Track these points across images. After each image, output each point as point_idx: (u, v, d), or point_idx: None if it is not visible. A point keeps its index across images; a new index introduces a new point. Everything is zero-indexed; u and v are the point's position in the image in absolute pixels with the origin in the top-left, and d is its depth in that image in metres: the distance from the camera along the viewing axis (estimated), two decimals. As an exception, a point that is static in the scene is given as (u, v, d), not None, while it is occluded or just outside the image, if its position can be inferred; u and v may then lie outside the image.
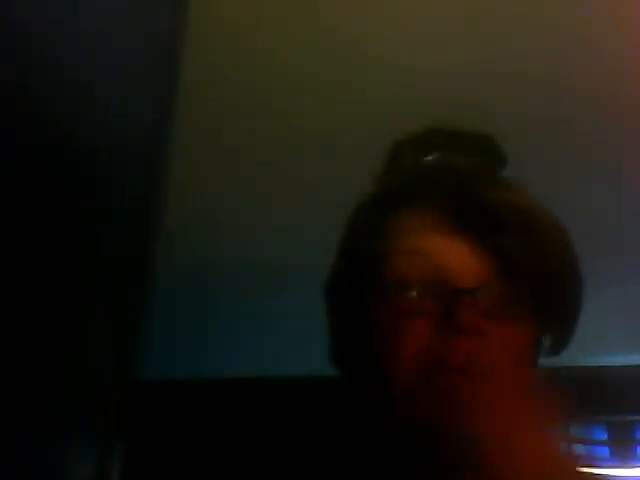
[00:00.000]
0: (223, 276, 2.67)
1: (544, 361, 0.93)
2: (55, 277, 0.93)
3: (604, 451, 3.20)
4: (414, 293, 0.85)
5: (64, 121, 0.92)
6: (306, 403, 2.87)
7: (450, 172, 0.91)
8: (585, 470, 0.91)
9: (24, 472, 0.89)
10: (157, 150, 1.07)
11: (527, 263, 0.85)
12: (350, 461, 0.94)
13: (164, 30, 1.05)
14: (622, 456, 3.19)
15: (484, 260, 0.85)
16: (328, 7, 1.75)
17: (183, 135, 1.52)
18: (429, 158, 0.95)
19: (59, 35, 0.96)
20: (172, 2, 1.08)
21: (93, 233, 0.98)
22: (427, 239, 0.87)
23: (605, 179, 2.25)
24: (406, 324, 0.84)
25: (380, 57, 1.85)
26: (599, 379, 3.19)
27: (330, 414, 0.97)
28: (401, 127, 1.01)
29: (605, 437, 3.22)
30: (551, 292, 0.87)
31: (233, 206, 2.38)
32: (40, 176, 0.90)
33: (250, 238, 2.50)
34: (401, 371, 0.83)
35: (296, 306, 2.57)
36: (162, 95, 1.05)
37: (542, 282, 0.85)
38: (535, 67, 1.88)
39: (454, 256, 0.85)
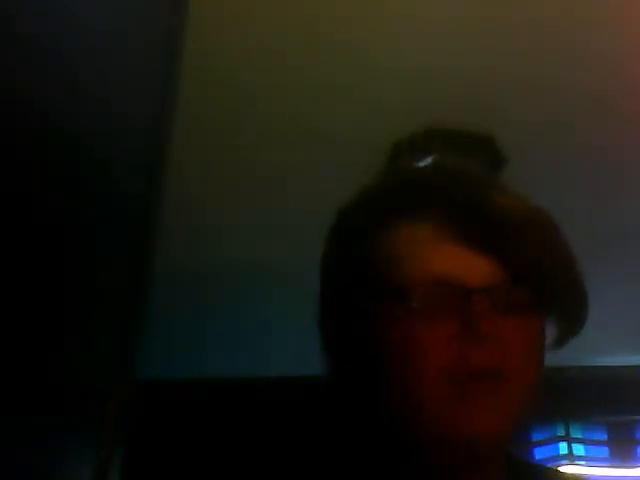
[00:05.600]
0: (222, 276, 2.66)
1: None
2: (55, 278, 0.93)
3: (603, 451, 3.20)
4: (427, 298, 0.83)
5: (64, 121, 0.92)
6: (305, 403, 2.87)
7: (447, 177, 0.90)
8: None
9: (24, 472, 0.89)
10: (157, 150, 1.07)
11: (532, 263, 0.85)
12: (349, 464, 0.94)
13: (164, 30, 1.05)
14: (621, 456, 3.19)
15: (490, 263, 0.84)
16: (328, 8, 1.74)
17: (182, 134, 1.52)
18: (428, 160, 0.95)
19: (59, 35, 0.96)
20: (173, 2, 1.08)
21: (92, 233, 0.98)
22: (433, 249, 0.86)
23: (605, 179, 2.24)
24: (423, 330, 0.83)
25: (380, 58, 1.85)
26: (599, 379, 3.18)
27: (329, 415, 0.96)
28: (402, 128, 1.00)
29: (605, 437, 3.22)
30: (556, 289, 0.87)
31: (232, 206, 2.37)
32: (40, 177, 0.90)
33: (249, 238, 2.50)
34: (425, 382, 0.82)
35: (295, 306, 2.57)
36: (162, 95, 1.05)
37: (548, 280, 0.86)
38: (535, 68, 1.88)
39: (462, 261, 0.84)
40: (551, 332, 0.90)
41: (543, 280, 0.86)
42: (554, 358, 0.93)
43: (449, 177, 0.90)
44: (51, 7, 0.96)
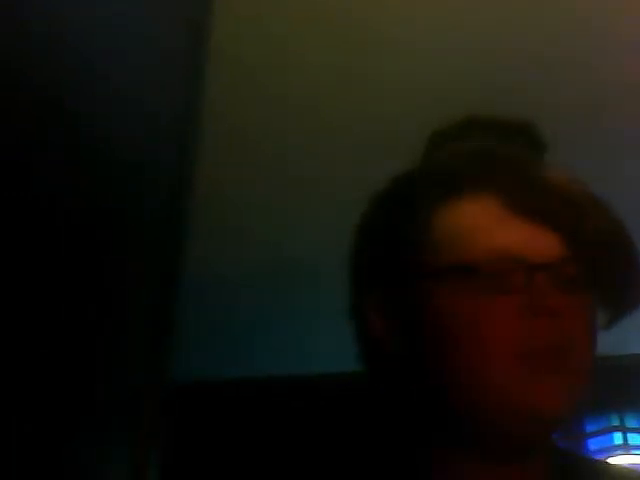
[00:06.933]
0: (255, 277, 2.66)
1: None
2: (91, 280, 0.93)
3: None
4: (492, 273, 0.83)
5: (93, 124, 0.92)
6: (343, 401, 2.85)
7: (507, 156, 0.90)
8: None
9: (61, 472, 0.89)
10: (186, 153, 1.06)
11: (593, 241, 0.85)
12: (386, 458, 0.92)
13: (188, 37, 1.04)
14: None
15: (553, 239, 0.84)
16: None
17: (209, 136, 1.51)
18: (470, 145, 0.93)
19: (91, 35, 0.96)
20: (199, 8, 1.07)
21: (125, 235, 0.98)
22: (497, 224, 0.86)
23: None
24: (488, 306, 0.83)
25: (407, 53, 1.83)
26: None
27: (372, 410, 0.95)
28: (428, 122, 0.99)
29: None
30: (615, 269, 0.86)
31: (263, 207, 2.36)
32: (71, 181, 0.90)
33: (279, 239, 2.49)
34: (491, 358, 0.82)
35: (330, 303, 2.56)
36: (189, 96, 1.05)
37: (608, 259, 0.85)
38: (568, 52, 1.85)
39: (525, 236, 0.84)
40: (600, 313, 0.89)
41: (604, 258, 0.85)
42: (606, 346, 0.91)
43: (509, 156, 0.89)
44: (82, 9, 0.96)
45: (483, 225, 0.86)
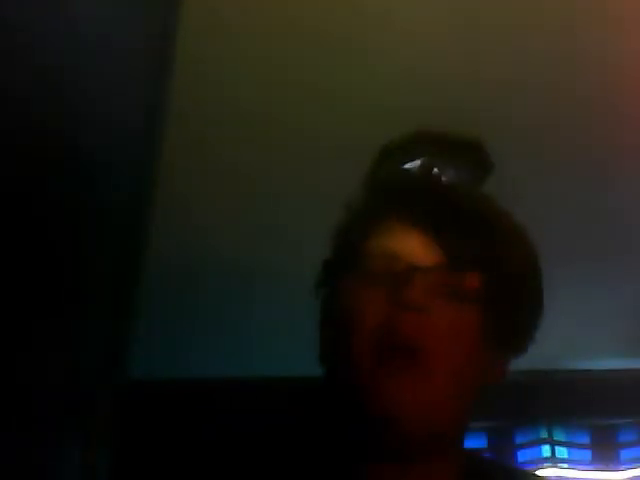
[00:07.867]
0: (208, 276, 2.66)
1: (527, 364, 0.95)
2: (47, 279, 0.93)
3: (586, 454, 3.21)
4: (373, 268, 0.92)
5: (63, 123, 0.92)
6: (293, 404, 2.87)
7: (415, 182, 0.98)
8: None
9: (10, 471, 0.89)
10: (148, 151, 1.07)
11: (474, 256, 0.92)
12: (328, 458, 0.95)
13: (156, 38, 1.05)
14: (604, 459, 3.20)
15: (436, 250, 0.92)
16: (313, 12, 1.75)
17: (172, 136, 1.51)
18: (416, 162, 0.98)
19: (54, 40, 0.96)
20: (165, 7, 1.08)
21: (83, 233, 0.98)
22: (390, 233, 0.95)
23: (590, 180, 2.26)
24: (362, 295, 0.91)
25: (367, 61, 1.85)
26: (582, 382, 3.20)
27: (314, 414, 0.98)
28: (390, 130, 1.02)
29: (587, 440, 3.23)
30: (500, 289, 0.92)
31: (218, 206, 2.37)
32: (36, 179, 0.90)
33: (235, 238, 2.50)
34: (354, 350, 0.89)
35: (282, 306, 2.58)
36: (153, 101, 1.06)
37: (491, 276, 0.90)
38: (523, 72, 1.89)
39: (409, 244, 0.93)
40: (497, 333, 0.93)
41: (482, 272, 0.90)
42: (538, 361, 0.94)
43: (417, 181, 0.97)
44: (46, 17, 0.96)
45: (379, 233, 0.96)
